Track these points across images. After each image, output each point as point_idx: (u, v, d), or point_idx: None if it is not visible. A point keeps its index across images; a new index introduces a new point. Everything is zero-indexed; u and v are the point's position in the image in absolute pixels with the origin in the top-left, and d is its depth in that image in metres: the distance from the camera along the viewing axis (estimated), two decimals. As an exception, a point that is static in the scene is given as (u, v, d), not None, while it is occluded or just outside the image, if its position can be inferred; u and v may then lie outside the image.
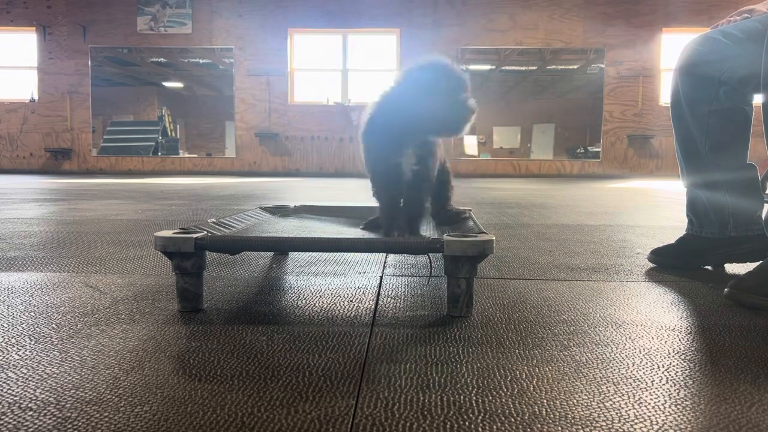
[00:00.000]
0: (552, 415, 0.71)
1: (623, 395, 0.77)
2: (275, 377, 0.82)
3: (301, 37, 10.83)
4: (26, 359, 0.89)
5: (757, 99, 1.45)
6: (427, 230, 1.45)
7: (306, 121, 10.73)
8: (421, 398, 0.76)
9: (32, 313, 1.14)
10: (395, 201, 1.38)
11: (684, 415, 0.71)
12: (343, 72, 10.76)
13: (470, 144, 10.73)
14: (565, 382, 0.81)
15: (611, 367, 0.87)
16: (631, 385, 0.81)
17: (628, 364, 0.89)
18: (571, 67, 10.59)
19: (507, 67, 10.64)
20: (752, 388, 0.80)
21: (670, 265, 1.69)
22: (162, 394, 0.76)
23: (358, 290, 1.37)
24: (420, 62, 1.29)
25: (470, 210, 1.75)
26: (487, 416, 0.70)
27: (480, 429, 0.67)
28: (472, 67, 10.65)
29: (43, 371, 0.84)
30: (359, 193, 5.14)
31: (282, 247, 1.14)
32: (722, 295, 1.32)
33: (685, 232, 1.74)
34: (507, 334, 1.04)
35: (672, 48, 10.43)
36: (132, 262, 1.71)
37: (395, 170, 1.35)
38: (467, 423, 0.69)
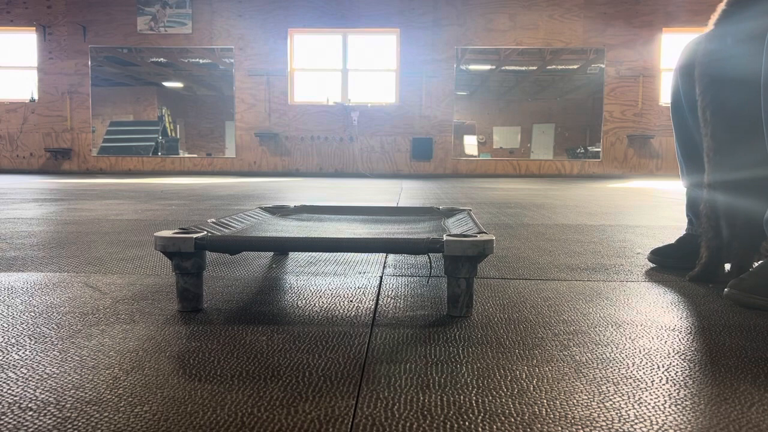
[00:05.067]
0: (552, 415, 0.71)
1: (623, 395, 0.77)
2: (275, 377, 0.82)
3: (301, 37, 10.83)
4: (26, 359, 0.89)
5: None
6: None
7: (306, 121, 10.73)
8: (421, 398, 0.76)
9: (32, 313, 1.14)
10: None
11: (684, 415, 0.71)
12: (343, 72, 10.76)
13: (470, 144, 10.73)
14: (565, 382, 0.81)
15: (611, 367, 0.87)
16: (631, 385, 0.81)
17: (628, 364, 0.89)
18: (571, 67, 10.59)
19: (507, 67, 10.64)
20: (752, 388, 0.80)
21: (670, 265, 1.69)
22: (162, 394, 0.76)
23: (358, 290, 1.37)
24: None
25: (470, 210, 1.75)
26: (487, 416, 0.70)
27: (480, 429, 0.67)
28: (472, 67, 10.65)
29: (43, 371, 0.84)
30: (359, 193, 5.14)
31: (282, 247, 1.14)
32: (722, 295, 1.32)
33: (685, 232, 1.74)
34: (507, 334, 1.04)
35: (672, 48, 10.44)
36: (132, 262, 1.71)
37: None
38: (467, 423, 0.69)
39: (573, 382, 0.81)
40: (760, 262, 1.38)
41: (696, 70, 1.51)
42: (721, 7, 1.50)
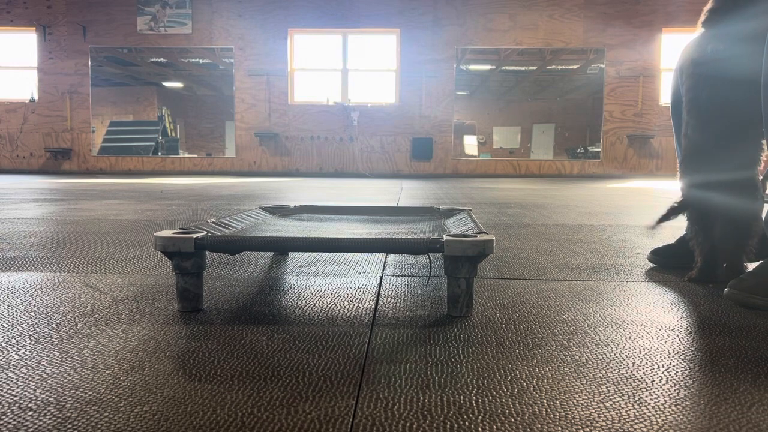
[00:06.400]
0: (552, 415, 0.71)
1: (623, 395, 0.77)
2: (275, 377, 0.82)
3: (301, 37, 10.83)
4: (26, 359, 0.89)
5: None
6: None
7: (306, 121, 10.73)
8: (421, 398, 0.76)
9: (32, 313, 1.14)
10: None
11: (684, 415, 0.71)
12: (343, 72, 10.76)
13: (470, 144, 10.73)
14: (565, 382, 0.81)
15: (611, 367, 0.87)
16: (631, 385, 0.81)
17: (628, 364, 0.89)
18: (571, 67, 10.58)
19: (507, 67, 10.64)
20: (752, 388, 0.80)
21: (670, 265, 1.69)
22: (162, 394, 0.76)
23: (358, 290, 1.37)
24: None
25: (470, 210, 1.76)
26: (487, 416, 0.70)
27: (480, 429, 0.67)
28: (472, 67, 10.65)
29: (43, 371, 0.84)
30: (359, 193, 5.13)
31: (282, 247, 1.14)
32: (722, 295, 1.32)
33: (685, 232, 1.74)
34: (507, 334, 1.04)
35: (672, 48, 10.43)
36: (132, 262, 1.71)
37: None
38: (467, 423, 0.69)
39: (573, 382, 0.81)
40: (759, 262, 1.38)
41: (684, 71, 1.51)
42: (707, 8, 1.51)
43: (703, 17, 1.52)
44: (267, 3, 10.63)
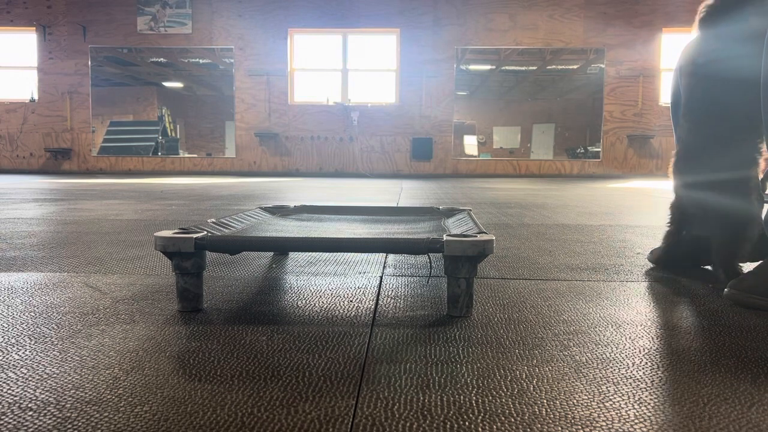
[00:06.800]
0: (552, 415, 0.71)
1: (623, 395, 0.77)
2: (275, 377, 0.82)
3: (301, 37, 10.83)
4: (26, 359, 0.89)
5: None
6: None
7: (306, 121, 10.73)
8: (421, 398, 0.76)
9: (32, 313, 1.14)
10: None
11: (684, 415, 0.71)
12: (343, 72, 10.76)
13: (470, 144, 10.73)
14: (565, 382, 0.81)
15: (611, 367, 0.87)
16: (631, 385, 0.81)
17: (628, 364, 0.89)
18: (571, 67, 10.58)
19: (507, 67, 10.64)
20: (752, 388, 0.80)
21: (670, 265, 1.69)
22: (162, 394, 0.76)
23: (358, 290, 1.37)
24: None
25: (470, 210, 1.76)
26: (487, 416, 0.70)
27: (480, 429, 0.67)
28: (472, 67, 10.65)
29: (43, 371, 0.84)
30: (359, 193, 5.13)
31: (282, 247, 1.14)
32: (722, 295, 1.32)
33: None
34: (507, 334, 1.04)
35: (672, 48, 10.44)
36: (132, 262, 1.71)
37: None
38: (467, 423, 0.69)
39: (573, 382, 0.81)
40: (759, 262, 1.38)
41: (684, 71, 1.52)
42: (702, 9, 1.51)
43: (698, 18, 1.52)
44: (267, 3, 10.63)
